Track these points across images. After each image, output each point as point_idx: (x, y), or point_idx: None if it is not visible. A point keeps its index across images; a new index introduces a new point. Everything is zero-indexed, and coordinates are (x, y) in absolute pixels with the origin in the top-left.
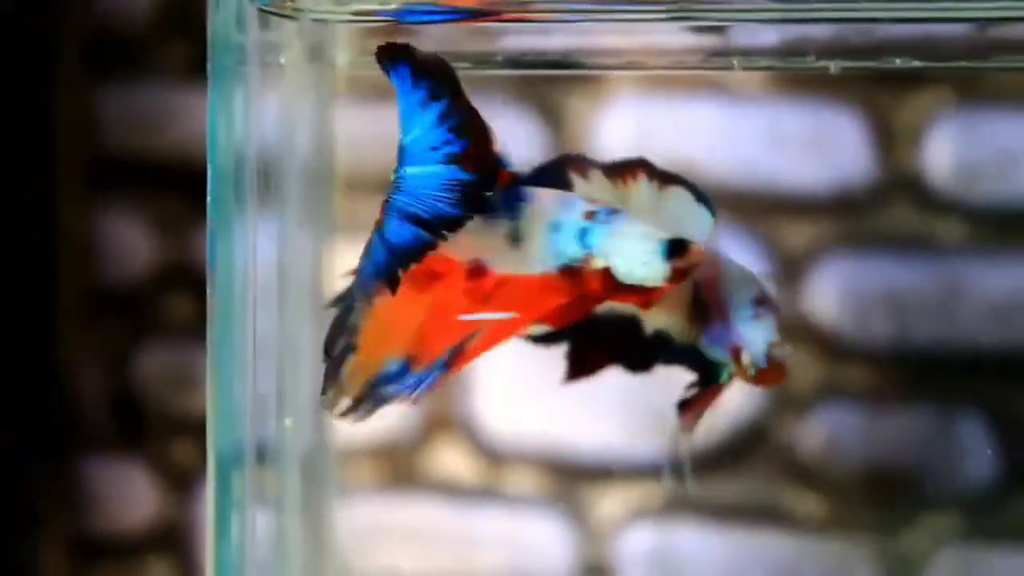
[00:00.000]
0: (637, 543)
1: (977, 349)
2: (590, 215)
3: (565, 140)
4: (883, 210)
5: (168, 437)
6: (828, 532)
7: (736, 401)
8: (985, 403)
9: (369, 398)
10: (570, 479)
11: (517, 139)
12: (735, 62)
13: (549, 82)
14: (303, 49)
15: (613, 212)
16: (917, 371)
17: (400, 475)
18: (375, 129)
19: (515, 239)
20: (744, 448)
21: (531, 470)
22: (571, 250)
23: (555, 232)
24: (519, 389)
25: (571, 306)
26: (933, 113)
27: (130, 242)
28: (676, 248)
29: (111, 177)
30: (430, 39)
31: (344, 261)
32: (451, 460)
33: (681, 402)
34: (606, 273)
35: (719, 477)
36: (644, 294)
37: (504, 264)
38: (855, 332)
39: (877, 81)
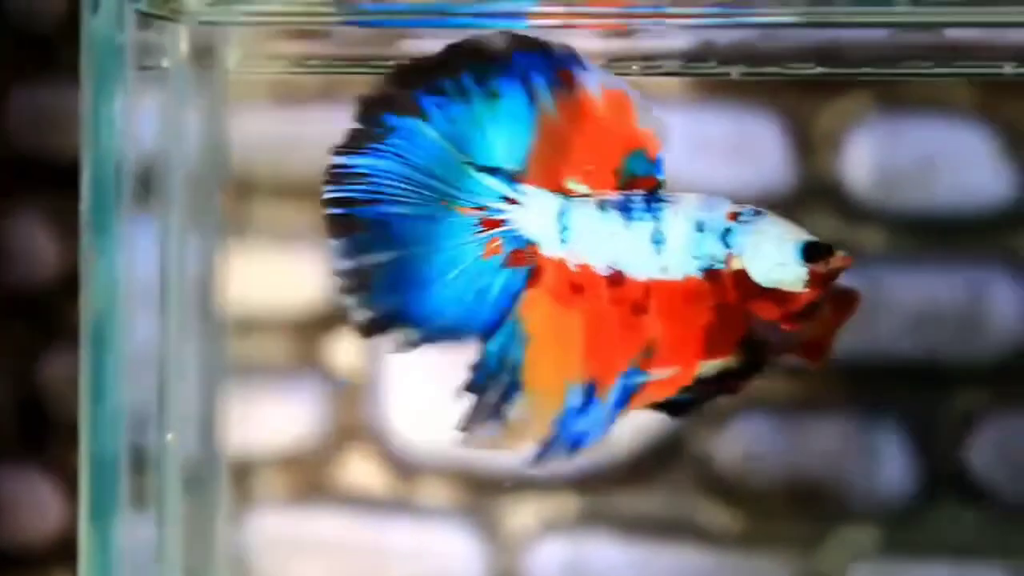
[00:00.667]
0: (550, 556)
1: (896, 358)
2: (734, 215)
3: None
4: (803, 217)
5: (74, 446)
6: (744, 546)
7: (651, 413)
8: (903, 413)
9: (562, 436)
10: (482, 491)
11: None
12: (634, 67)
13: None
14: (189, 51)
15: (758, 212)
16: (835, 381)
17: (310, 487)
18: (268, 131)
19: (656, 241)
20: (660, 460)
21: (443, 482)
22: (714, 251)
23: (699, 232)
24: (431, 399)
25: (720, 325)
26: (853, 120)
27: (36, 245)
28: (814, 250)
29: (17, 179)
30: (339, 41)
31: (237, 266)
32: (362, 472)
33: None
34: (742, 275)
35: (634, 489)
36: (782, 302)
37: (642, 269)
38: None
39: (798, 87)
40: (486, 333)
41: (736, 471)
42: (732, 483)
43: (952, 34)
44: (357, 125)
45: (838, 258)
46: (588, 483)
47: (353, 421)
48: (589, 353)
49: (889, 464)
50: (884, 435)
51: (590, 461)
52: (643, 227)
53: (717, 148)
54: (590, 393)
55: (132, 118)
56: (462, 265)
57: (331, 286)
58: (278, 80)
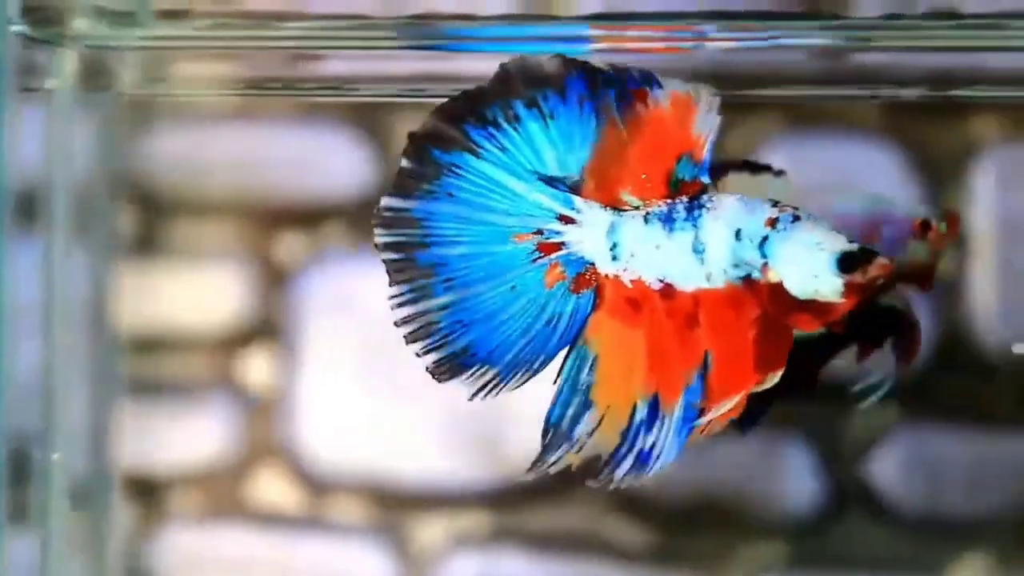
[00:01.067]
0: (460, 572)
1: None
2: (772, 222)
3: (390, 161)
4: None
5: None
6: (653, 561)
7: None
8: (809, 429)
9: (631, 451)
10: (393, 507)
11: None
12: None
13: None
14: (80, 73)
15: (796, 218)
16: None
17: (222, 504)
18: (181, 151)
19: (697, 251)
20: (570, 476)
21: (354, 499)
22: (752, 260)
23: (737, 240)
24: (342, 417)
25: (767, 336)
26: (762, 138)
27: None
28: (850, 260)
29: None
30: (246, 63)
31: (148, 285)
32: (273, 489)
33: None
34: (779, 288)
35: (544, 505)
36: (820, 313)
37: (689, 279)
38: None
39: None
40: (556, 359)
41: (645, 487)
42: (641, 499)
43: (860, 58)
44: (406, 164)
45: (876, 266)
46: (498, 499)
47: (265, 438)
48: (652, 368)
49: (795, 480)
50: (790, 451)
51: (500, 477)
52: (685, 236)
53: None
54: (655, 407)
55: (15, 140)
56: (526, 296)
57: (246, 304)
58: (186, 101)
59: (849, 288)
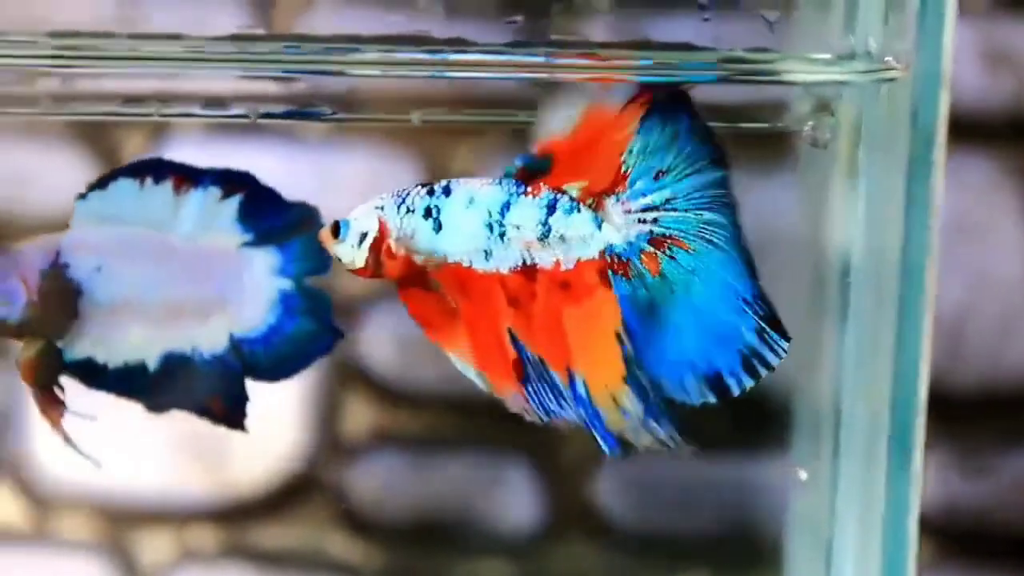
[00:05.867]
0: None
1: None
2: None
3: None
4: None
5: None
6: None
7: (287, 445)
8: (532, 449)
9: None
10: (119, 523)
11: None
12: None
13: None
14: None
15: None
16: (466, 417)
17: None
18: None
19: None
20: (294, 493)
21: (80, 514)
22: None
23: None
24: (70, 430)
25: None
26: (481, 159)
27: None
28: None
29: None
30: None
31: None
32: None
33: None
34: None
35: (270, 522)
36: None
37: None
38: (405, 377)
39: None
40: None
41: (369, 505)
42: (366, 517)
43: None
44: None
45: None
46: (225, 515)
47: None
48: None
49: (516, 499)
50: (512, 471)
51: (227, 493)
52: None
53: (350, 187)
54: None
55: None
56: None
57: None
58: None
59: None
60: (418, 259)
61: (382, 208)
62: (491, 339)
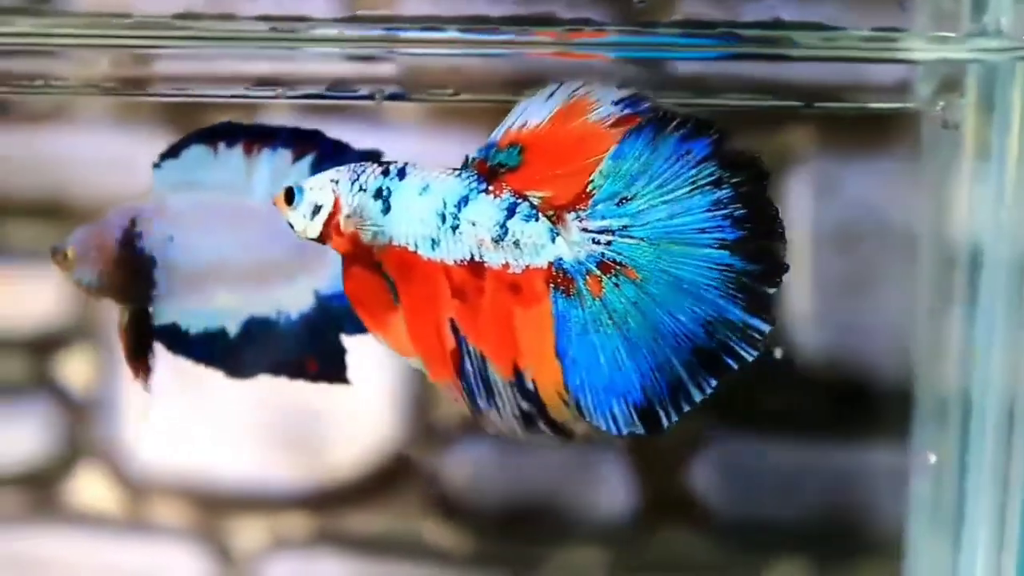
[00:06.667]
0: (280, 574)
1: None
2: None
3: None
4: None
5: None
6: (469, 565)
7: (380, 432)
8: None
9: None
10: (213, 509)
11: None
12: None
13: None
14: None
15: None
16: None
17: (40, 506)
18: None
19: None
20: (388, 479)
21: (174, 501)
22: None
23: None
24: (162, 418)
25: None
26: None
27: None
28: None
29: None
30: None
31: None
32: (93, 491)
33: None
34: None
35: (363, 508)
36: None
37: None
38: None
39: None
40: None
41: (462, 491)
42: (458, 503)
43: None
44: None
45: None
46: (318, 502)
47: (85, 439)
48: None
49: (611, 486)
50: (605, 457)
51: (319, 480)
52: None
53: None
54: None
55: None
56: None
57: (63, 305)
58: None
59: None
60: (365, 237)
61: (337, 183)
62: (430, 326)
